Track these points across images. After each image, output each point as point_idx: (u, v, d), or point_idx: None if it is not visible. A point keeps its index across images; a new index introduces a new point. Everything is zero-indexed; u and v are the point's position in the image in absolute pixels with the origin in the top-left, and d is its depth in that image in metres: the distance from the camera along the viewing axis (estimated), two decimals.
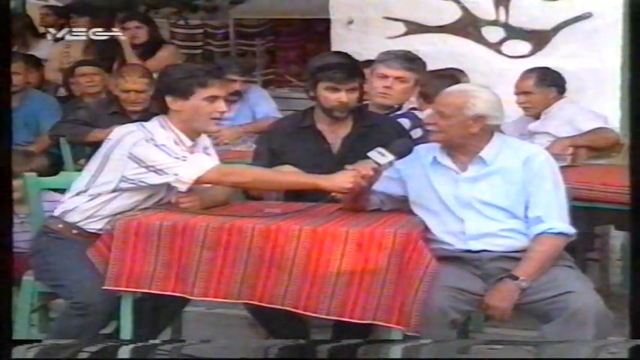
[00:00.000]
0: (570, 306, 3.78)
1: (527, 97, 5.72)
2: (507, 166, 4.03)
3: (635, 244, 3.57)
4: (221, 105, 4.21)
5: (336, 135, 4.54)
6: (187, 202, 4.15)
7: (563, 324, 3.77)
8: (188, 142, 4.20)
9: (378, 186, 4.14)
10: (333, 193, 4.09)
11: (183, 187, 4.09)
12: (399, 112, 5.02)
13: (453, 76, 5.46)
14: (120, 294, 4.03)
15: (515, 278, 3.89)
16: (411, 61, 5.16)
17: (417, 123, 4.93)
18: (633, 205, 3.57)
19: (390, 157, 3.99)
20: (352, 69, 4.54)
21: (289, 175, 4.24)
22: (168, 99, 4.17)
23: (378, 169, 4.00)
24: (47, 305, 4.56)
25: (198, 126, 4.21)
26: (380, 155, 3.99)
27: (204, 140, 4.36)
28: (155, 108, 4.35)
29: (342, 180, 4.00)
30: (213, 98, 4.17)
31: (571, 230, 4.02)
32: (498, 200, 4.00)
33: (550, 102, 5.72)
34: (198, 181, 4.08)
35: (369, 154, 4.00)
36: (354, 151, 4.44)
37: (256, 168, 4.39)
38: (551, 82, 5.74)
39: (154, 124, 4.20)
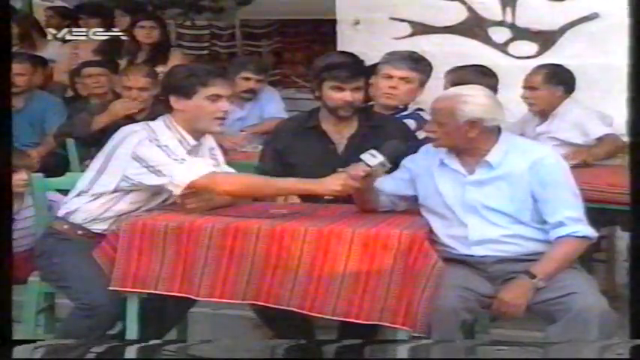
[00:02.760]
0: (574, 307, 3.77)
1: (532, 93, 5.66)
2: (514, 169, 3.99)
3: (636, 245, 3.56)
4: (224, 105, 4.20)
5: (341, 135, 4.54)
6: (193, 203, 4.14)
7: (567, 325, 3.75)
8: (192, 142, 4.20)
9: (389, 187, 4.15)
10: (325, 197, 4.09)
11: (176, 191, 4.07)
12: (404, 113, 5.02)
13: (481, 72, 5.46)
14: (125, 294, 4.03)
15: (533, 277, 3.87)
16: (416, 61, 5.15)
17: (423, 124, 4.92)
18: (633, 206, 3.56)
19: (380, 158, 3.98)
20: (357, 68, 4.53)
21: (281, 182, 4.18)
22: (172, 98, 4.19)
23: (369, 171, 3.99)
24: (53, 306, 4.57)
25: (201, 126, 4.21)
26: (371, 157, 3.98)
27: (210, 141, 4.36)
28: (162, 108, 4.35)
29: (332, 183, 3.99)
30: (215, 97, 4.17)
31: (594, 234, 4.00)
32: (503, 205, 3.98)
33: (556, 101, 5.66)
34: (191, 186, 4.07)
35: (362, 156, 3.99)
36: (360, 151, 4.42)
37: (250, 176, 4.33)
38: (560, 80, 5.69)
39: (158, 124, 4.20)
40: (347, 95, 4.46)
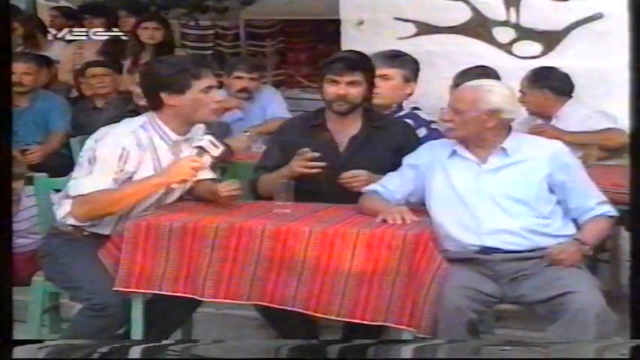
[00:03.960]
0: (571, 307, 3.76)
1: (522, 97, 5.68)
2: (530, 157, 4.07)
3: (637, 245, 3.55)
4: (216, 94, 4.24)
5: (344, 134, 4.53)
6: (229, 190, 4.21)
7: (566, 325, 3.75)
8: (174, 137, 4.20)
9: (399, 192, 4.19)
10: (173, 186, 4.14)
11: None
12: (401, 114, 4.99)
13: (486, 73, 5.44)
14: (130, 295, 4.03)
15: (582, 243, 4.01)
16: (391, 58, 5.11)
17: (420, 122, 4.91)
18: (634, 206, 3.57)
19: (205, 138, 4.17)
20: (352, 62, 4.50)
21: (127, 186, 4.13)
22: (164, 95, 4.17)
23: (202, 152, 4.13)
24: (58, 306, 4.57)
25: (199, 118, 4.22)
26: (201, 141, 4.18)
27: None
28: (149, 105, 4.31)
29: (176, 172, 4.09)
30: (208, 89, 4.19)
31: (616, 213, 4.13)
32: (520, 192, 4.02)
33: (546, 103, 5.69)
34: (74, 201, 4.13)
35: (199, 143, 4.16)
36: (361, 150, 4.44)
37: (99, 193, 4.11)
38: (545, 83, 5.70)
39: (134, 122, 4.23)
40: (340, 88, 4.44)
